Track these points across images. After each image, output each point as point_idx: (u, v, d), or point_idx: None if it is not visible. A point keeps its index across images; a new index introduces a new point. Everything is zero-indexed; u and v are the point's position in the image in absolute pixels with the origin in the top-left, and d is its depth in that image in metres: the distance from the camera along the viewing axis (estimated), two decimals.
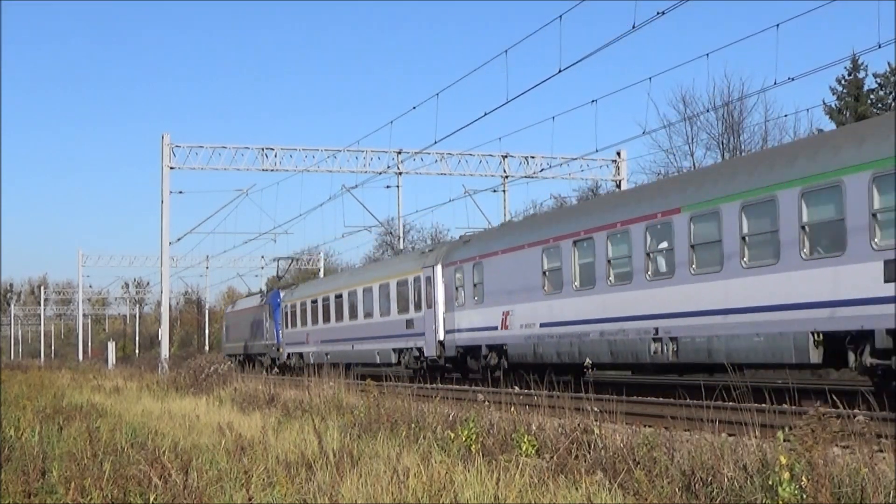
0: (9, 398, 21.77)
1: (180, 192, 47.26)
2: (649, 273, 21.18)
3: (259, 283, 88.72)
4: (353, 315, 40.39)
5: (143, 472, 8.97)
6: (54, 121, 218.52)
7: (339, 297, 42.24)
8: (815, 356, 17.03)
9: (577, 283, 24.18)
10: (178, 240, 50.16)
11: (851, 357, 16.51)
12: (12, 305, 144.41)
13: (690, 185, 20.91)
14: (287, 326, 49.33)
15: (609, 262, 22.70)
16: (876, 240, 15.66)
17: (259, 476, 9.13)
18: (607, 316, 22.77)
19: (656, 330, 20.80)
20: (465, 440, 11.00)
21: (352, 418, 14.06)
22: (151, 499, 8.34)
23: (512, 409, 12.92)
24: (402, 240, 54.61)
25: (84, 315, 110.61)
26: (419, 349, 33.40)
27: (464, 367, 31.39)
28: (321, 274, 78.89)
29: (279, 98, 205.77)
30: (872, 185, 15.72)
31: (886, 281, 15.29)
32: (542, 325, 25.80)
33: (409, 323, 34.33)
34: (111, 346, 74.01)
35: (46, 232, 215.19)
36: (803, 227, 17.12)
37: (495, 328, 28.24)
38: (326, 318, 43.45)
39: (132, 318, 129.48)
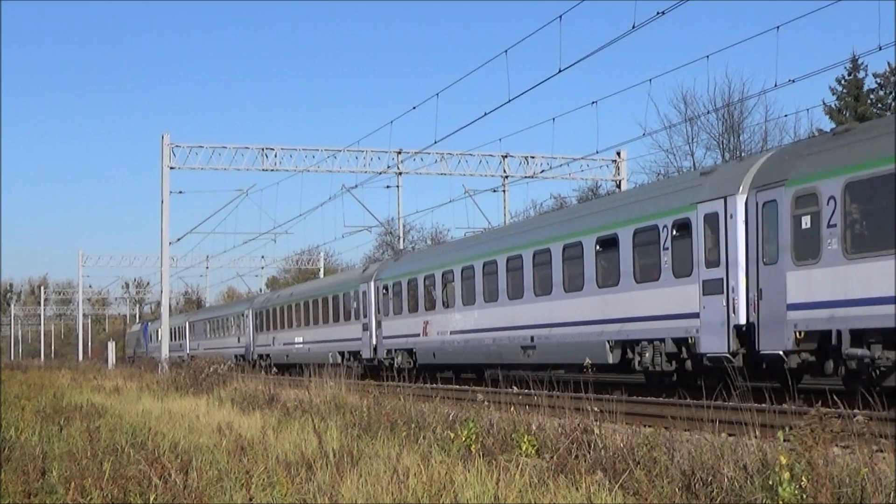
0: (9, 398, 21.75)
1: (180, 192, 47.35)
2: None
3: (259, 282, 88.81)
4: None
5: (143, 472, 8.96)
6: (54, 121, 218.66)
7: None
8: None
9: None
10: (178, 240, 50.28)
11: None
12: (12, 305, 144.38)
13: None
14: (150, 341, 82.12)
15: None
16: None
17: (259, 476, 9.12)
18: None
19: None
20: (465, 440, 10.99)
21: (352, 418, 14.06)
22: (151, 499, 8.34)
23: (512, 409, 12.92)
24: (402, 240, 54.60)
25: (84, 315, 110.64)
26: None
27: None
28: (321, 274, 78.99)
29: (279, 98, 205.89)
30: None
31: None
32: None
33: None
34: (111, 346, 74.00)
35: (46, 232, 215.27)
36: None
37: None
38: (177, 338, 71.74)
39: (132, 318, 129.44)
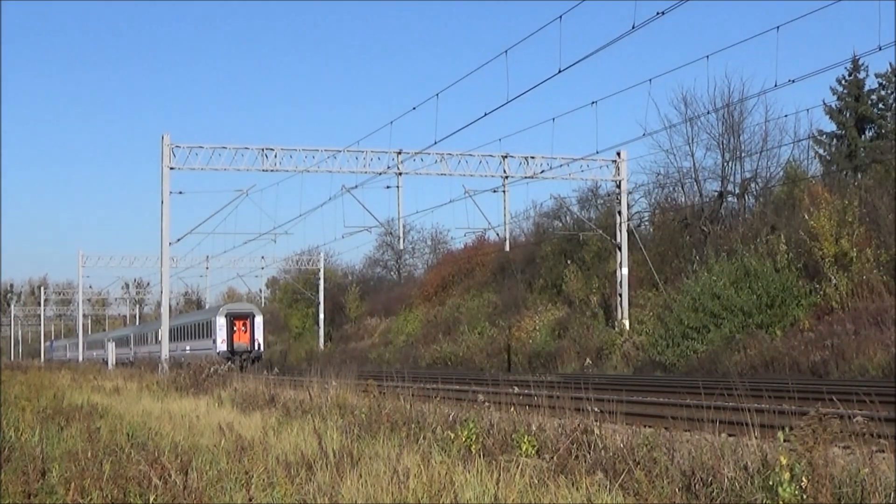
0: (9, 398, 21.75)
1: (180, 193, 47.35)
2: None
3: (259, 283, 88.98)
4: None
5: (143, 473, 8.96)
6: (54, 121, 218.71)
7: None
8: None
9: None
10: (178, 240, 50.12)
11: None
12: (12, 305, 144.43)
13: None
14: (55, 352, 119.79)
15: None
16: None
17: (259, 476, 9.12)
18: None
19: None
20: (466, 440, 10.99)
21: (352, 418, 14.06)
22: (151, 499, 8.34)
23: (512, 409, 12.91)
24: (402, 240, 54.61)
25: (84, 315, 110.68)
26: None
27: None
28: (321, 274, 79.16)
29: (279, 98, 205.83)
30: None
31: None
32: None
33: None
34: (111, 346, 74.09)
35: (46, 232, 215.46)
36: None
37: None
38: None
39: (132, 319, 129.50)
